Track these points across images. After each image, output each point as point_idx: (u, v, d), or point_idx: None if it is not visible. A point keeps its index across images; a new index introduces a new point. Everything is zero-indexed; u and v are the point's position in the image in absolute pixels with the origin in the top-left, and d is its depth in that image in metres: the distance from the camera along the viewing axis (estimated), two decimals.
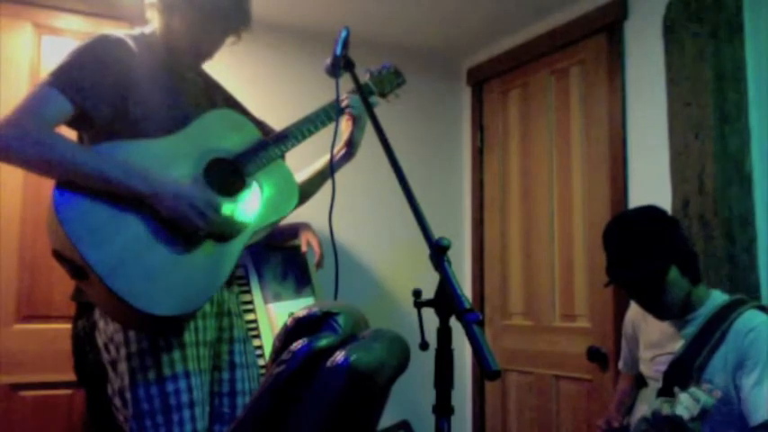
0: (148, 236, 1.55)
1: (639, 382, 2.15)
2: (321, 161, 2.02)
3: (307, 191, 1.99)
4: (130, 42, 1.72)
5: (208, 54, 1.83)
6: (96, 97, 1.61)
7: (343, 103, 1.97)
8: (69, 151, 1.54)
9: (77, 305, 2.32)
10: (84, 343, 2.27)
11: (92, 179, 1.52)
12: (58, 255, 1.54)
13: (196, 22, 1.73)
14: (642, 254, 1.90)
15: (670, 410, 1.75)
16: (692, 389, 1.77)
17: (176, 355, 1.60)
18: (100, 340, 1.68)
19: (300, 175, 1.99)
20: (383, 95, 2.09)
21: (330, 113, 1.91)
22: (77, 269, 1.50)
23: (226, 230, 1.66)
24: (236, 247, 1.68)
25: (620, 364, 2.27)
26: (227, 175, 1.72)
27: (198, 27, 1.74)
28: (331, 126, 1.91)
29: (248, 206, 1.72)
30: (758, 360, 1.78)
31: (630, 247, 1.93)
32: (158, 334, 1.60)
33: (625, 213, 2.09)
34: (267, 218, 1.76)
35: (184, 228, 1.58)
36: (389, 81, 2.11)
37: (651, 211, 2.01)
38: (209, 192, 1.64)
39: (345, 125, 2.01)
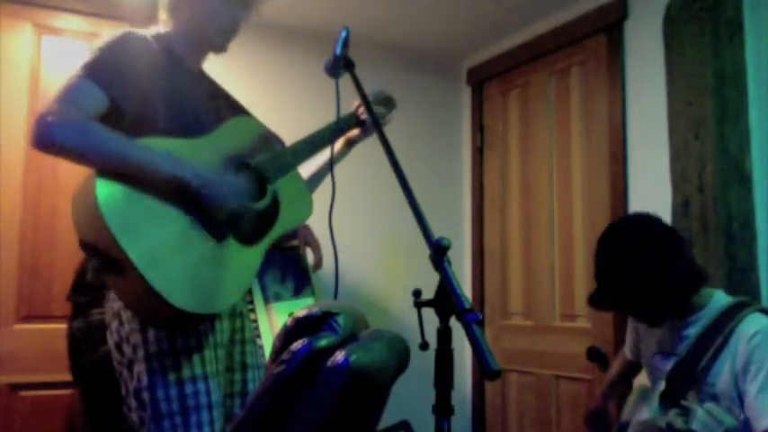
0: (184, 233, 1.56)
1: (632, 369, 2.16)
2: (318, 161, 2.03)
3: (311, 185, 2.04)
4: (151, 41, 1.73)
5: (234, 30, 1.81)
6: (127, 91, 1.61)
7: (362, 117, 2.04)
8: (115, 140, 1.53)
9: (72, 306, 2.33)
10: (79, 343, 2.28)
11: (139, 169, 1.52)
12: (88, 247, 1.51)
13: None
14: (613, 283, 1.89)
15: (684, 426, 1.72)
16: (709, 405, 1.74)
17: (196, 357, 1.61)
18: (111, 340, 1.68)
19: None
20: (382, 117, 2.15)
21: (343, 124, 1.95)
22: (111, 262, 1.47)
23: (252, 228, 1.69)
24: (260, 251, 1.70)
25: (626, 348, 2.25)
26: (250, 181, 1.73)
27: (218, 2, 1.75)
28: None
29: (269, 212, 1.74)
30: (762, 365, 1.76)
31: (608, 274, 1.92)
32: (180, 330, 1.60)
33: (616, 230, 1.97)
34: (286, 225, 1.79)
35: (227, 213, 1.62)
36: (384, 105, 2.16)
37: (640, 239, 1.89)
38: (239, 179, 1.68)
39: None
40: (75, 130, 1.50)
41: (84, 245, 1.53)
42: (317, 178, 2.05)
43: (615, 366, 2.28)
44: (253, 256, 1.69)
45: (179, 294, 1.49)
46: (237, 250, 1.65)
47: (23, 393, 2.60)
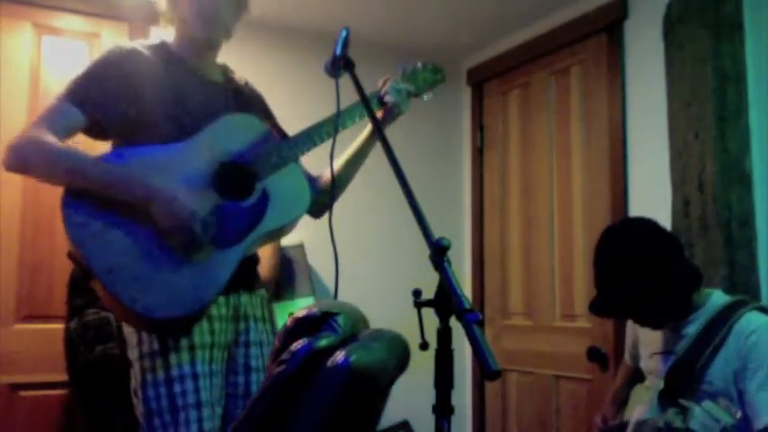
0: (149, 240, 1.58)
1: (638, 375, 2.15)
2: (353, 146, 1.98)
3: (342, 177, 1.96)
4: (146, 52, 1.75)
5: (224, 18, 1.79)
6: (107, 108, 1.67)
7: (386, 98, 1.93)
8: (70, 159, 1.61)
9: (68, 308, 2.33)
10: (76, 344, 2.28)
11: (92, 186, 1.59)
12: (71, 257, 1.60)
13: None
14: (614, 289, 1.90)
15: (683, 424, 1.72)
16: (707, 403, 1.74)
17: (185, 356, 1.63)
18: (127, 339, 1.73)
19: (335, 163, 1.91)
20: (418, 94, 2.05)
21: (346, 118, 1.87)
22: (85, 271, 1.56)
23: (229, 231, 1.67)
24: (239, 250, 1.68)
25: (626, 354, 2.27)
26: (238, 178, 1.72)
27: None
28: (356, 126, 1.89)
29: (255, 210, 1.73)
30: (761, 363, 1.76)
31: (607, 279, 1.92)
32: (165, 334, 1.62)
33: (612, 235, 1.97)
34: (274, 222, 1.76)
35: (175, 238, 1.59)
36: (425, 78, 2.07)
37: (636, 241, 1.90)
38: (205, 202, 1.63)
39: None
40: (33, 151, 1.60)
41: (69, 255, 1.61)
42: (351, 167, 1.97)
43: (620, 376, 2.29)
44: (230, 256, 1.67)
45: (141, 301, 1.53)
46: (210, 251, 1.63)
47: (23, 393, 2.60)
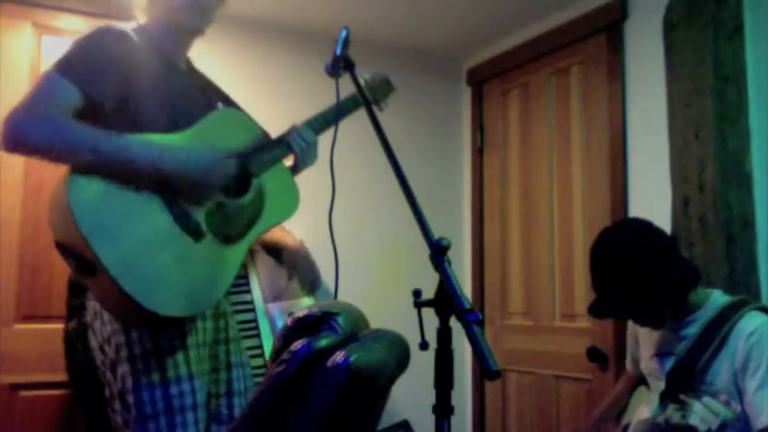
0: (160, 234, 1.54)
1: (640, 382, 2.15)
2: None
3: None
4: (132, 35, 1.71)
5: (212, 8, 1.79)
6: (102, 85, 1.58)
7: (289, 138, 1.87)
8: (89, 133, 1.51)
9: (68, 307, 2.33)
10: (74, 344, 2.28)
11: (115, 160, 1.49)
12: (62, 248, 1.49)
13: None
14: (613, 290, 1.90)
15: (682, 420, 1.73)
16: (707, 399, 1.74)
17: (180, 357, 1.59)
18: (94, 341, 1.66)
19: None
20: (376, 104, 2.08)
21: (338, 112, 1.88)
22: (85, 264, 1.45)
23: (231, 228, 1.66)
24: (242, 248, 1.68)
25: (627, 363, 2.27)
26: (234, 175, 1.71)
27: None
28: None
29: (254, 207, 1.72)
30: (760, 363, 1.76)
31: (607, 280, 1.92)
32: (163, 329, 1.58)
33: (609, 237, 1.96)
34: (272, 219, 1.76)
35: (212, 198, 1.60)
36: (381, 90, 2.10)
37: (636, 242, 1.90)
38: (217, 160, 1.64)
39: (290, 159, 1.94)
40: (44, 125, 1.48)
41: (59, 246, 1.50)
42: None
43: (619, 385, 2.28)
44: (234, 254, 1.67)
45: (155, 298, 1.47)
46: (217, 249, 1.63)
47: (23, 393, 2.60)
